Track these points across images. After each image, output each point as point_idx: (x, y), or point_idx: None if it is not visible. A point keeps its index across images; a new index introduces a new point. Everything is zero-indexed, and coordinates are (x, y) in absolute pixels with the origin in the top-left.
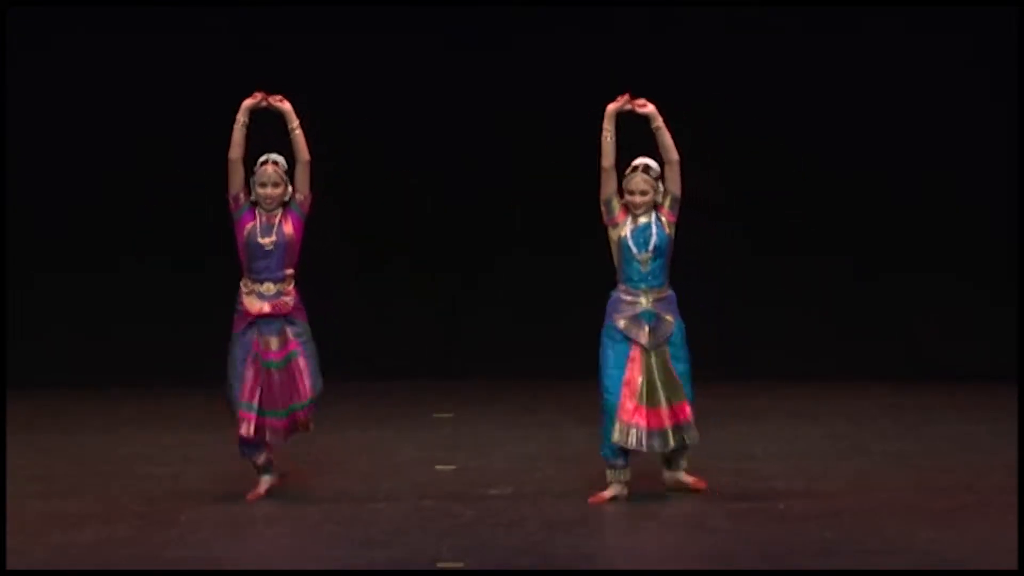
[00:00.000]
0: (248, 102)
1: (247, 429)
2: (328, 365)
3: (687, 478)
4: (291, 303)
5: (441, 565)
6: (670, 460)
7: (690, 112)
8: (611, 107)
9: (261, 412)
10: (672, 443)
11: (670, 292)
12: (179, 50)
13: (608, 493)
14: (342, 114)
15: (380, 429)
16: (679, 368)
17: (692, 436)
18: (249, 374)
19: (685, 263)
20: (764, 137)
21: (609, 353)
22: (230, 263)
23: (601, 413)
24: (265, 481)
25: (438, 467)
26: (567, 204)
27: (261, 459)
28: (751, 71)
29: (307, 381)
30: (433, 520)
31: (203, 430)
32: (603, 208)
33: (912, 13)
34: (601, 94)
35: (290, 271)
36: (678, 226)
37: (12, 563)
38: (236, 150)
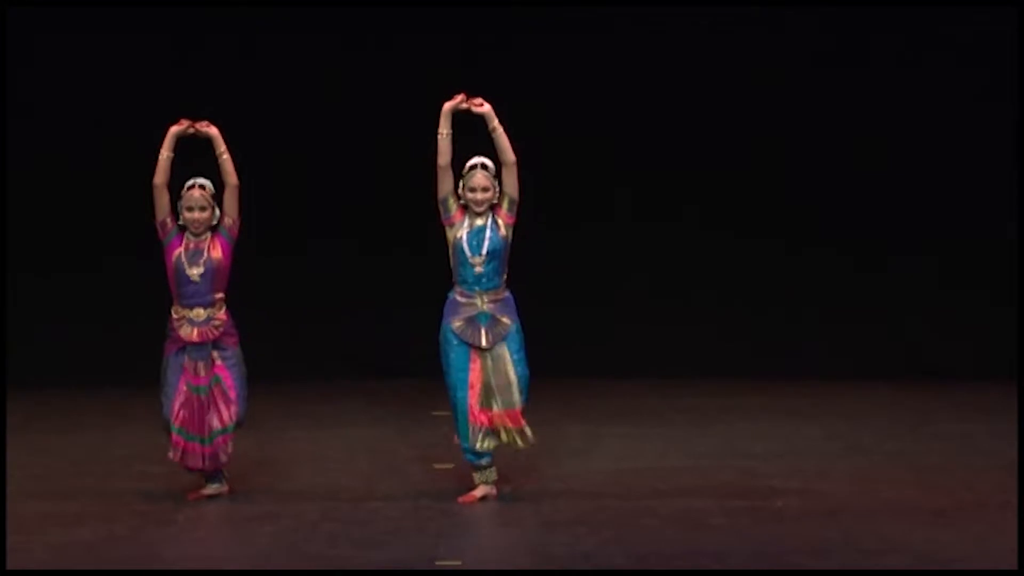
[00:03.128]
0: (174, 129)
1: (175, 454)
2: (326, 364)
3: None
4: (220, 329)
5: (440, 564)
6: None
7: (693, 113)
8: (447, 105)
9: (187, 436)
10: (504, 441)
11: (507, 294)
12: (170, 51)
13: (478, 493)
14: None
15: (378, 427)
16: (518, 371)
17: (525, 440)
18: (180, 398)
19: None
20: (764, 138)
21: (452, 356)
22: None
23: (453, 414)
24: (212, 488)
25: (436, 466)
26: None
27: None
28: (749, 70)
29: (231, 407)
30: (431, 519)
31: None
32: (440, 207)
33: (912, 13)
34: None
35: (220, 295)
36: (516, 228)
37: (12, 562)
38: (160, 176)
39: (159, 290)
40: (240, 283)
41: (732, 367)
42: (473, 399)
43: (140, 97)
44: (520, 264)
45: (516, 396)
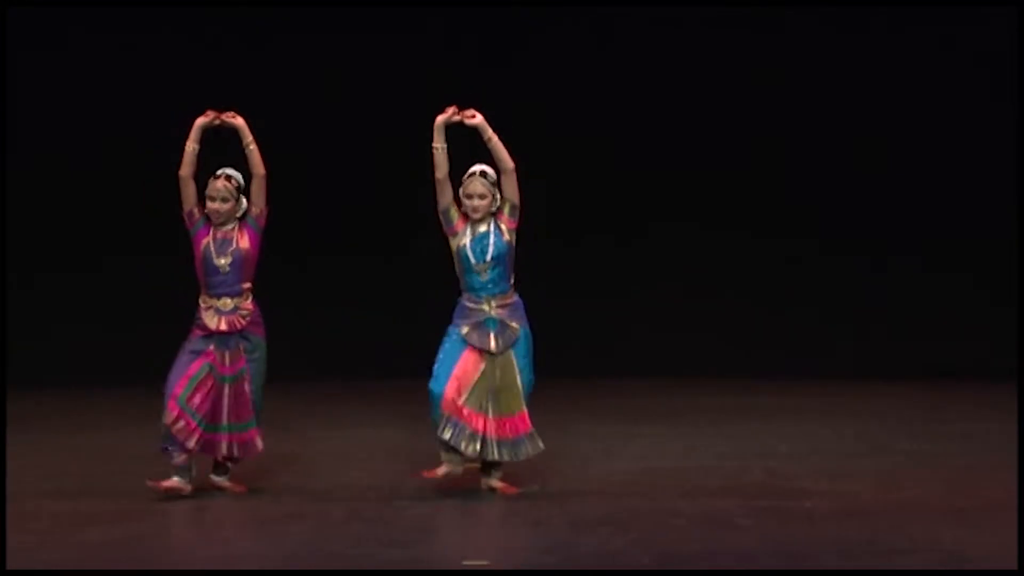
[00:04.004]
0: (200, 121)
1: (170, 418)
2: (350, 365)
3: (498, 484)
4: (247, 318)
5: (466, 563)
6: (486, 467)
7: (700, 116)
8: (440, 119)
9: (199, 421)
10: (492, 454)
11: (515, 298)
12: (174, 51)
13: (441, 470)
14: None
15: (405, 427)
16: (523, 378)
17: (532, 448)
18: (191, 371)
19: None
20: (765, 139)
21: (447, 346)
22: None
23: (429, 398)
24: (175, 481)
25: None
26: None
27: (180, 459)
28: (749, 70)
29: (245, 407)
30: (457, 518)
31: None
32: (441, 218)
33: (913, 13)
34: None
35: (247, 285)
36: (519, 233)
37: (24, 562)
38: (186, 168)
39: (172, 290)
40: (262, 280)
41: (757, 368)
42: (453, 390)
43: (139, 97)
44: (542, 267)
45: (521, 401)
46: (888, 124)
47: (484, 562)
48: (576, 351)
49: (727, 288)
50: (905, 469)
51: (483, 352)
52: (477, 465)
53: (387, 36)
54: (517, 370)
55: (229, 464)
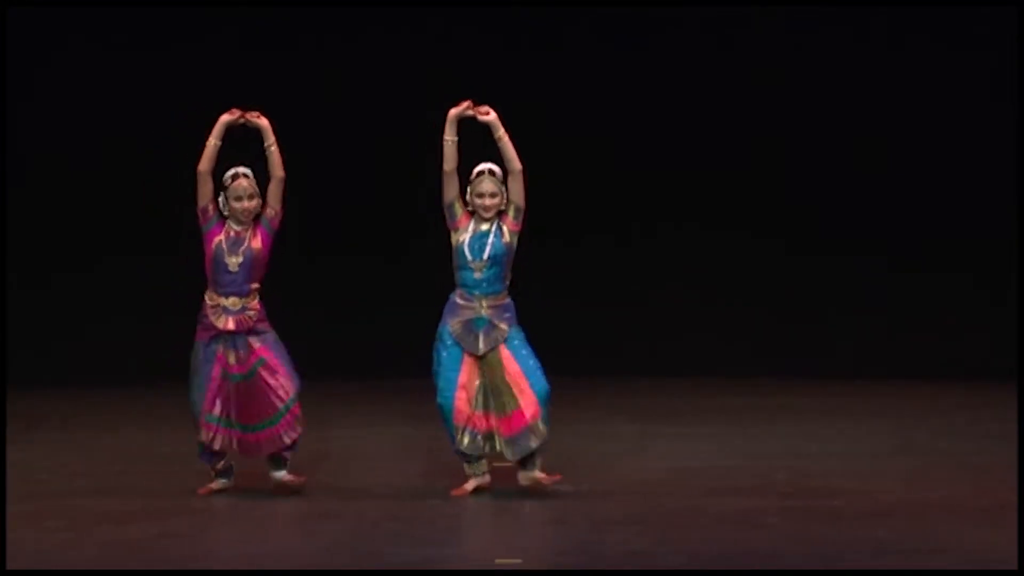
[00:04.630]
0: (225, 118)
1: (207, 436)
2: (382, 363)
3: (541, 475)
4: (254, 318)
5: (499, 562)
6: (523, 460)
7: (700, 116)
8: (453, 112)
9: (229, 425)
10: (508, 454)
11: (507, 300)
12: (174, 51)
13: (469, 485)
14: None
15: (435, 426)
16: (528, 363)
17: (535, 438)
18: (213, 385)
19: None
20: (765, 139)
21: (444, 355)
22: None
23: (441, 414)
24: (220, 483)
25: (496, 464)
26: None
27: (220, 465)
28: (749, 70)
29: (284, 384)
30: (490, 517)
31: None
32: (445, 212)
33: (913, 13)
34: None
35: (255, 285)
36: (521, 235)
37: (61, 560)
38: (206, 163)
39: (196, 287)
40: (287, 280)
41: (785, 367)
42: (463, 401)
43: (138, 97)
44: (565, 267)
45: (519, 399)
46: (888, 126)
47: (517, 561)
48: (603, 350)
49: (756, 289)
50: (934, 469)
51: (471, 354)
52: (512, 463)
53: (387, 36)
54: (518, 364)
55: (285, 456)
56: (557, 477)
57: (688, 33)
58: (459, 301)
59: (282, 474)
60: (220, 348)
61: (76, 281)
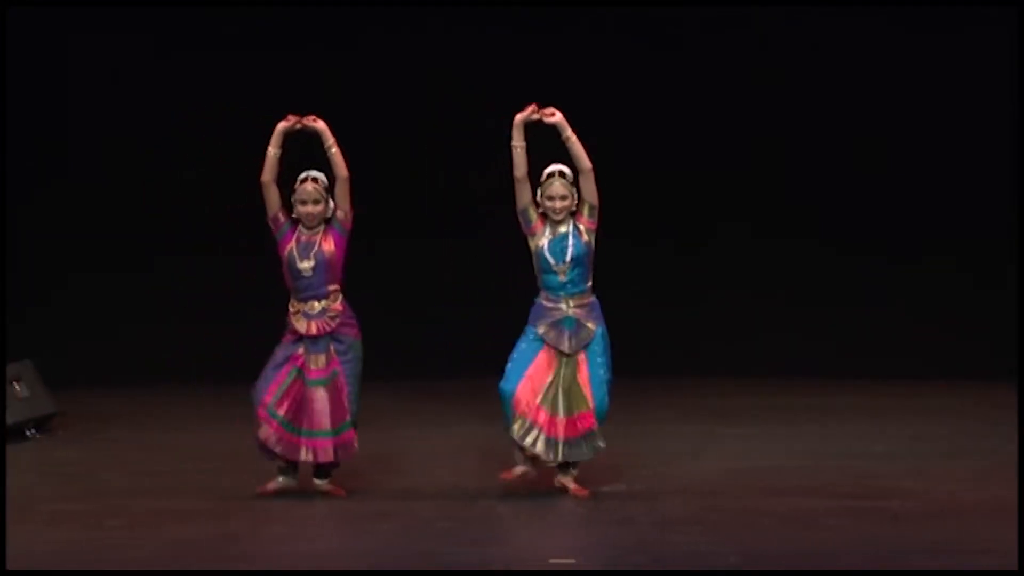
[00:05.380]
0: (282, 125)
1: (266, 434)
2: (434, 362)
3: (573, 485)
4: (336, 320)
5: (553, 562)
6: (562, 464)
7: (701, 116)
8: (519, 117)
9: (292, 430)
10: (559, 456)
11: (592, 299)
12: (207, 50)
13: (518, 470)
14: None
15: (487, 426)
16: (599, 374)
17: (592, 448)
18: (280, 379)
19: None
20: (764, 139)
21: (523, 346)
22: None
23: (500, 397)
24: (280, 482)
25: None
26: None
27: (282, 462)
28: (749, 70)
29: (341, 406)
30: (544, 517)
31: None
32: (520, 218)
33: (913, 13)
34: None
35: (334, 287)
36: (598, 233)
37: (120, 560)
38: (268, 174)
39: (269, 287)
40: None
41: (847, 368)
42: (527, 391)
43: (133, 96)
44: (623, 268)
45: (589, 402)
46: (889, 126)
47: (571, 560)
48: (665, 351)
49: (814, 290)
50: (994, 469)
51: (557, 352)
52: (552, 463)
53: (387, 36)
54: (588, 370)
55: (330, 467)
56: (585, 493)
57: (688, 34)
58: (545, 304)
59: (324, 483)
60: (300, 350)
61: (144, 280)
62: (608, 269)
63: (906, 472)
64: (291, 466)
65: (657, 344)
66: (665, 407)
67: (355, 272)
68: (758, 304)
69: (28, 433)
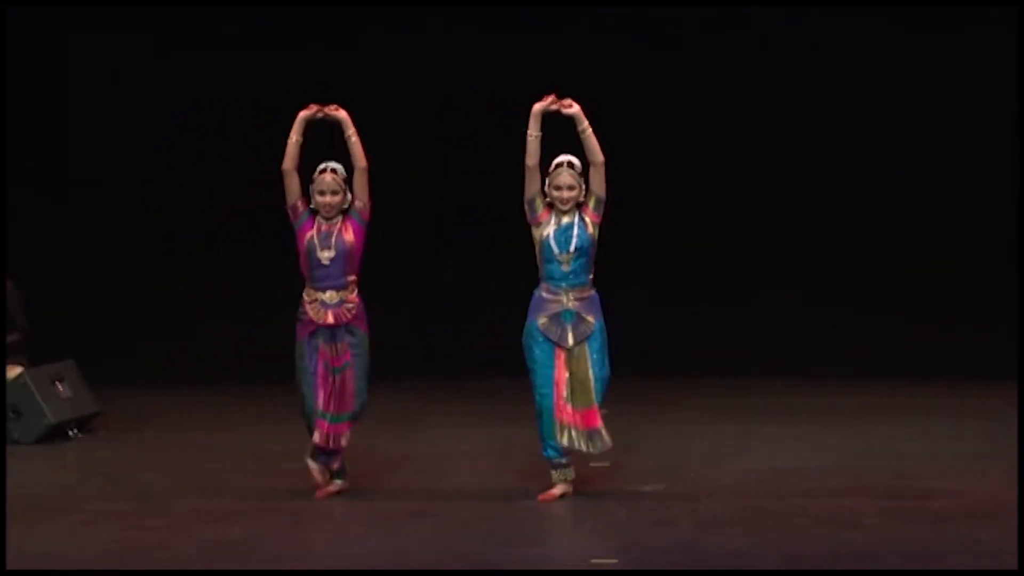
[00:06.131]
0: (303, 114)
1: (322, 439)
2: (475, 361)
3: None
4: (353, 311)
5: (595, 562)
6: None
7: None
8: (537, 107)
9: (331, 419)
10: (586, 446)
11: (593, 292)
12: (207, 50)
13: (557, 491)
14: None
15: (525, 426)
16: (596, 372)
17: (600, 444)
18: (319, 380)
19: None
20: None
21: (536, 352)
22: None
23: (537, 414)
24: (336, 484)
25: (592, 464)
26: None
27: (335, 464)
28: (749, 70)
29: (349, 398)
30: (585, 518)
31: None
32: (527, 207)
33: (913, 13)
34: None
35: (352, 278)
36: (602, 227)
37: (160, 560)
38: (289, 161)
39: (301, 285)
40: (380, 279)
41: (883, 368)
42: (559, 395)
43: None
44: (673, 268)
45: (592, 396)
46: (889, 128)
47: (612, 561)
48: (705, 351)
49: (853, 290)
50: None
51: (560, 346)
52: (606, 464)
53: (387, 36)
54: (590, 364)
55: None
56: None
57: (687, 33)
58: (545, 296)
59: (342, 482)
60: (320, 342)
61: (183, 280)
62: (646, 268)
63: (946, 472)
64: (343, 469)
65: (696, 344)
66: (705, 407)
67: (374, 273)
68: (791, 304)
69: (71, 433)
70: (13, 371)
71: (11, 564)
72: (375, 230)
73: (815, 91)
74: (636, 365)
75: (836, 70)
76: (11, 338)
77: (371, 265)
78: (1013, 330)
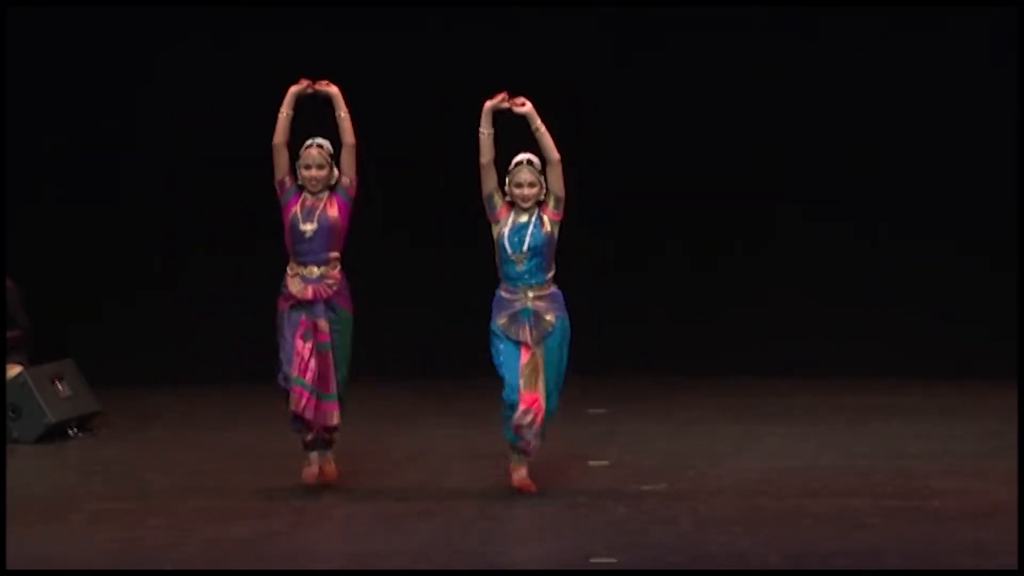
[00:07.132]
0: (294, 89)
1: (298, 405)
2: (474, 363)
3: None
4: (334, 287)
5: (594, 561)
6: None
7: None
8: (488, 104)
9: (317, 394)
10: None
11: (553, 289)
12: (207, 49)
13: (524, 471)
14: None
15: None
16: (551, 369)
17: (527, 434)
18: (301, 350)
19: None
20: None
21: (501, 347)
22: None
23: (504, 409)
24: (314, 458)
25: (591, 463)
26: None
27: (309, 436)
28: (749, 70)
29: (331, 376)
30: (586, 516)
31: (352, 423)
32: (485, 204)
33: (913, 13)
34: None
35: (335, 254)
36: (562, 225)
37: (167, 559)
38: (280, 135)
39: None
40: (381, 278)
41: (886, 367)
42: (523, 387)
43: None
44: (659, 269)
45: (539, 384)
46: (889, 128)
47: (612, 560)
48: (708, 351)
49: (857, 289)
50: None
51: (525, 344)
52: (606, 463)
53: (387, 36)
54: (547, 367)
55: (330, 439)
56: (533, 489)
57: (688, 33)
58: (504, 295)
59: (318, 455)
60: (303, 316)
61: (185, 279)
62: (646, 268)
63: (949, 471)
64: (319, 440)
65: (696, 344)
66: (708, 407)
67: (375, 272)
68: (791, 304)
69: (71, 432)
70: (12, 370)
71: (11, 564)
72: (385, 226)
73: (815, 91)
74: (636, 365)
75: (836, 70)
76: (11, 334)
77: (373, 262)
78: (1013, 330)
